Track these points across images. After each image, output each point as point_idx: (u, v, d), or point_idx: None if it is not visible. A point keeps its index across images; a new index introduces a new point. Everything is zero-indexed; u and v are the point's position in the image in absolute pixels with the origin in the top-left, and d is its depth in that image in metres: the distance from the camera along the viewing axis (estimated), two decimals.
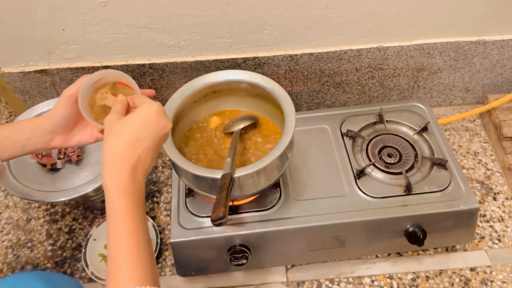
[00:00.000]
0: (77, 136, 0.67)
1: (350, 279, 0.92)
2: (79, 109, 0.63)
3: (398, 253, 0.95)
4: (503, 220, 1.00)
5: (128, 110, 0.61)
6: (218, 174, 0.72)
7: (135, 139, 0.54)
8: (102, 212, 1.04)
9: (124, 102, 0.61)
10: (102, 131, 0.65)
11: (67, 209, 1.06)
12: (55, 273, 0.92)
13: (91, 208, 1.04)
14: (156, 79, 1.05)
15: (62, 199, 0.88)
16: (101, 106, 0.65)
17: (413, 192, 0.87)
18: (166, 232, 1.00)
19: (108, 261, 0.49)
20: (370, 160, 0.93)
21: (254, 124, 0.89)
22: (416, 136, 0.97)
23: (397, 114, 1.01)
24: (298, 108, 1.16)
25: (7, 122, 1.25)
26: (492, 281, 0.91)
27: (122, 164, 0.52)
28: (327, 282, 0.92)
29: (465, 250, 0.96)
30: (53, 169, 0.92)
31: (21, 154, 0.65)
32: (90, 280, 0.93)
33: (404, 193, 0.87)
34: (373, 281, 0.91)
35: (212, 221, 0.65)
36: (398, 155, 0.95)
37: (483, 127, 1.17)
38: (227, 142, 0.86)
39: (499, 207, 1.02)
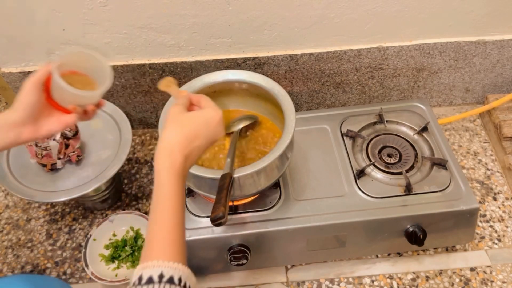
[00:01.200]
0: (46, 125, 0.65)
1: (350, 279, 0.92)
2: (43, 96, 0.63)
3: (398, 253, 0.95)
4: (503, 220, 1.00)
5: (189, 105, 0.66)
6: (217, 174, 0.72)
7: (195, 135, 0.59)
8: (102, 212, 1.04)
9: (188, 97, 0.66)
10: (74, 109, 0.64)
11: (67, 209, 1.06)
12: (42, 275, 0.92)
13: (91, 208, 1.04)
14: (156, 79, 1.05)
15: (62, 199, 0.88)
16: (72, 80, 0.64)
17: (413, 192, 0.87)
18: None
19: (147, 234, 0.53)
20: (370, 160, 0.93)
21: (254, 124, 0.89)
22: (416, 136, 0.97)
23: (397, 114, 1.01)
24: (298, 108, 1.16)
25: None
26: (492, 281, 0.91)
27: (179, 151, 0.57)
28: (327, 282, 0.92)
29: (465, 250, 0.96)
30: (53, 169, 0.92)
31: None
32: (90, 280, 0.93)
33: (404, 193, 0.87)
34: (373, 281, 0.91)
35: (212, 221, 0.65)
36: (398, 155, 0.95)
37: (483, 127, 1.17)
38: (227, 142, 0.86)
39: (499, 207, 1.02)
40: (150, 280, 0.47)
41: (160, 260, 0.50)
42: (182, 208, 0.56)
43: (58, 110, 0.65)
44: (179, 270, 0.49)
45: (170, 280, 0.48)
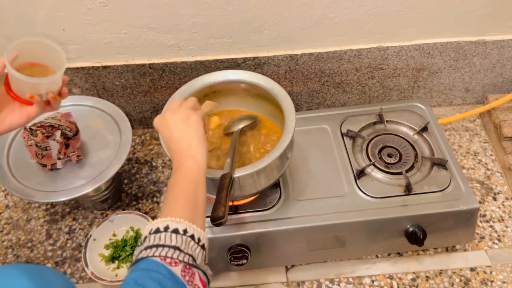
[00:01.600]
0: (7, 118, 0.66)
1: (350, 279, 0.92)
2: (3, 90, 0.64)
3: (398, 253, 0.95)
4: (503, 220, 1.00)
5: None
6: (217, 174, 0.72)
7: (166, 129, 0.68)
8: (102, 212, 1.04)
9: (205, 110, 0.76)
10: (32, 97, 0.64)
11: (67, 209, 1.06)
12: (38, 265, 0.92)
13: (91, 208, 1.04)
14: (156, 79, 1.05)
15: (62, 199, 0.88)
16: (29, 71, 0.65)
17: (413, 192, 0.87)
18: None
19: (165, 201, 0.61)
20: (370, 160, 0.93)
21: (254, 124, 0.89)
22: (416, 136, 0.97)
23: (397, 114, 1.01)
24: (298, 108, 1.16)
25: None
26: (492, 281, 0.91)
27: (171, 146, 0.66)
28: (327, 282, 0.92)
29: (465, 250, 0.95)
30: (53, 169, 0.92)
31: None
32: (90, 280, 0.93)
33: (404, 193, 0.87)
34: (373, 281, 0.91)
35: (212, 221, 0.65)
36: (398, 155, 0.95)
37: (483, 127, 1.17)
38: (227, 142, 0.86)
39: (499, 207, 1.02)
40: (157, 230, 0.55)
41: (168, 217, 0.56)
42: (183, 181, 0.61)
43: (20, 103, 0.66)
44: (181, 223, 0.56)
45: (175, 231, 0.55)
